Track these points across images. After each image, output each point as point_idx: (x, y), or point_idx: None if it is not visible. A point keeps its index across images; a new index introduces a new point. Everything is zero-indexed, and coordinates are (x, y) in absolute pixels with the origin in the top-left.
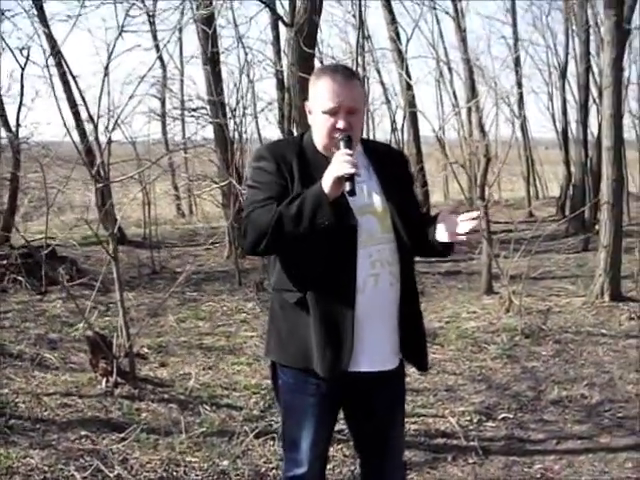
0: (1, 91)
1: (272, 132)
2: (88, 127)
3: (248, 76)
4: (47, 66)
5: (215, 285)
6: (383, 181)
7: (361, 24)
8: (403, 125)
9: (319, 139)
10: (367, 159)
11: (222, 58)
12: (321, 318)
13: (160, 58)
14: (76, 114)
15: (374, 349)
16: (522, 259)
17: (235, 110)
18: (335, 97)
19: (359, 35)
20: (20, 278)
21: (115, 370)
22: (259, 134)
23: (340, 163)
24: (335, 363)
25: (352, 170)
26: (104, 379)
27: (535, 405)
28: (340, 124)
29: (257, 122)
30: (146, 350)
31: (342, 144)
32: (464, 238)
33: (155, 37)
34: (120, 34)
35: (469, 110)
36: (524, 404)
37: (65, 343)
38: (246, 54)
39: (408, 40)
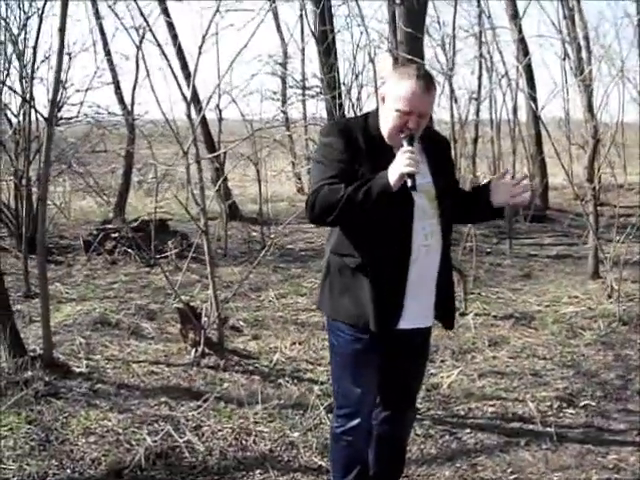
0: (117, 70)
1: None
2: (197, 106)
3: (369, 54)
4: (160, 46)
5: (321, 262)
6: (432, 164)
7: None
8: (515, 106)
9: (386, 129)
10: (420, 144)
11: (338, 37)
12: (378, 282)
13: (281, 37)
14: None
15: (417, 310)
16: (634, 244)
17: (350, 88)
18: (413, 103)
19: (480, 14)
20: (130, 250)
21: (203, 341)
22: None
23: (404, 160)
24: (387, 321)
25: (415, 169)
26: (193, 349)
27: (620, 394)
28: (411, 124)
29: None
30: (242, 323)
31: (405, 142)
32: (517, 200)
33: (276, 17)
34: (217, 12)
35: (586, 89)
36: (609, 392)
37: (164, 314)
38: (361, 33)
39: (520, 18)
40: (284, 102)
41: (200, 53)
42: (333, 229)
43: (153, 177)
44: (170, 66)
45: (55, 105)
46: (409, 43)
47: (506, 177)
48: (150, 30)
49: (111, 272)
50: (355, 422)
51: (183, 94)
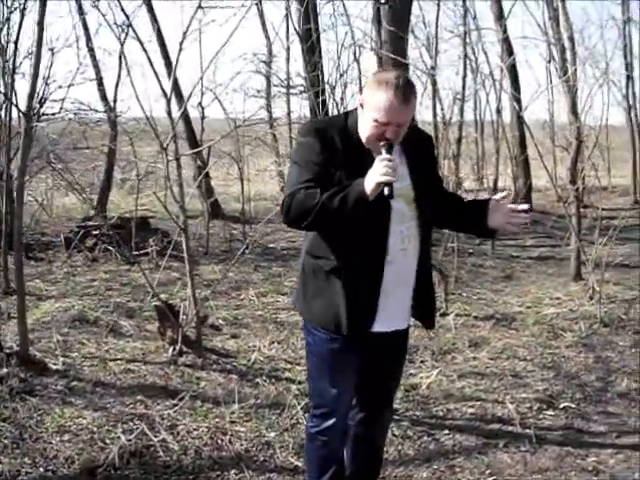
0: (100, 66)
1: None
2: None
3: (354, 54)
4: (141, 43)
5: None
6: (412, 165)
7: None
8: (498, 107)
9: (364, 136)
10: (400, 145)
11: (323, 36)
12: (351, 286)
13: (266, 36)
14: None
15: (392, 312)
16: (617, 247)
17: (334, 87)
18: (391, 114)
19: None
20: (110, 248)
21: (180, 339)
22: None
23: (381, 169)
24: (361, 324)
25: (392, 178)
26: (170, 347)
27: (601, 396)
28: (389, 134)
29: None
30: (221, 322)
31: (384, 150)
32: (514, 229)
33: (262, 15)
34: (198, 8)
35: (570, 90)
36: (589, 394)
37: (144, 312)
38: (346, 33)
39: (505, 19)
40: (268, 100)
41: (181, 49)
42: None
43: (136, 174)
44: (150, 62)
45: (33, 100)
46: (393, 42)
47: (505, 200)
48: (130, 26)
49: (91, 269)
50: (330, 422)
51: (163, 90)
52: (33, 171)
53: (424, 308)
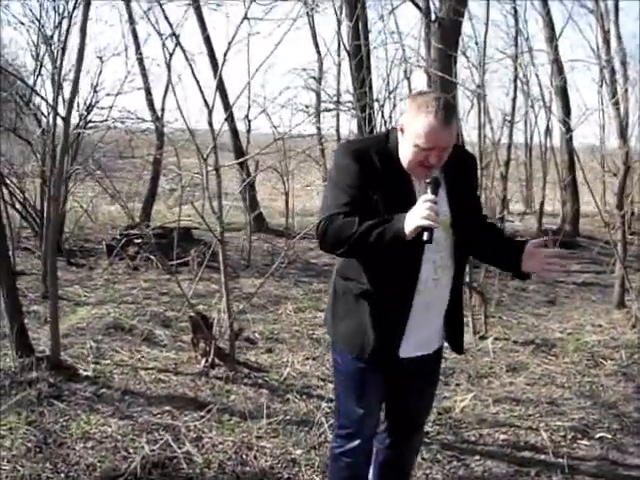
0: (148, 77)
1: None
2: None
3: (405, 72)
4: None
5: None
6: (451, 189)
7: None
8: (547, 130)
9: (406, 161)
10: (442, 172)
11: (373, 53)
12: (379, 311)
13: (318, 51)
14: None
15: (421, 339)
16: None
17: (383, 105)
18: (432, 139)
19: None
20: (152, 257)
21: (213, 351)
22: None
23: (424, 212)
24: (385, 350)
25: (434, 224)
26: (203, 359)
27: (638, 427)
28: (432, 160)
29: None
30: (257, 335)
31: (429, 189)
32: (549, 275)
33: (314, 31)
34: (244, 20)
35: (620, 114)
36: (626, 425)
37: (180, 322)
38: (396, 49)
39: (557, 39)
40: (318, 116)
41: (224, 60)
42: None
43: (180, 185)
44: (193, 72)
45: (72, 105)
46: (442, 61)
47: (542, 245)
48: (174, 35)
49: (132, 277)
50: (355, 443)
51: (205, 101)
52: (79, 178)
53: (454, 333)
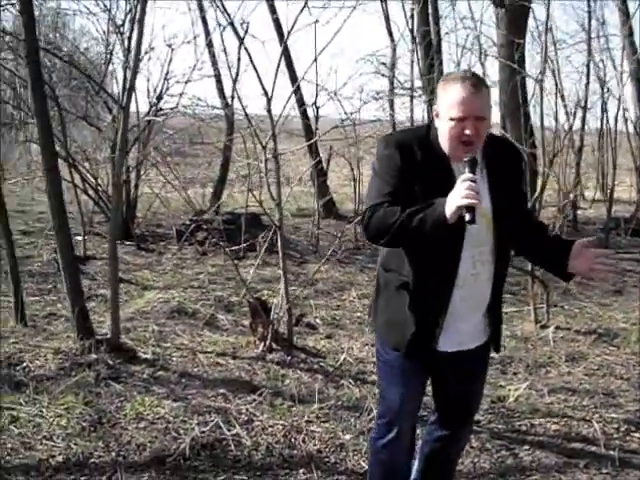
0: (218, 64)
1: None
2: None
3: (480, 57)
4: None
5: None
6: (493, 182)
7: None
8: (617, 117)
9: (445, 143)
10: (483, 159)
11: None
12: (419, 305)
13: (391, 36)
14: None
15: (462, 335)
16: None
17: None
18: (464, 106)
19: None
20: (220, 243)
21: (270, 335)
22: None
23: (463, 191)
24: (425, 344)
25: (474, 201)
26: (261, 343)
27: None
28: (468, 131)
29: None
30: (318, 321)
31: (467, 168)
32: (597, 275)
33: (387, 17)
34: (305, 6)
35: None
36: None
37: (243, 307)
38: (467, 35)
39: (631, 18)
40: (390, 102)
41: (285, 48)
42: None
43: (248, 171)
44: (252, 62)
45: (131, 95)
46: (509, 47)
47: (591, 245)
48: (232, 24)
49: (199, 263)
50: (393, 434)
51: (264, 88)
52: (150, 164)
53: (492, 331)
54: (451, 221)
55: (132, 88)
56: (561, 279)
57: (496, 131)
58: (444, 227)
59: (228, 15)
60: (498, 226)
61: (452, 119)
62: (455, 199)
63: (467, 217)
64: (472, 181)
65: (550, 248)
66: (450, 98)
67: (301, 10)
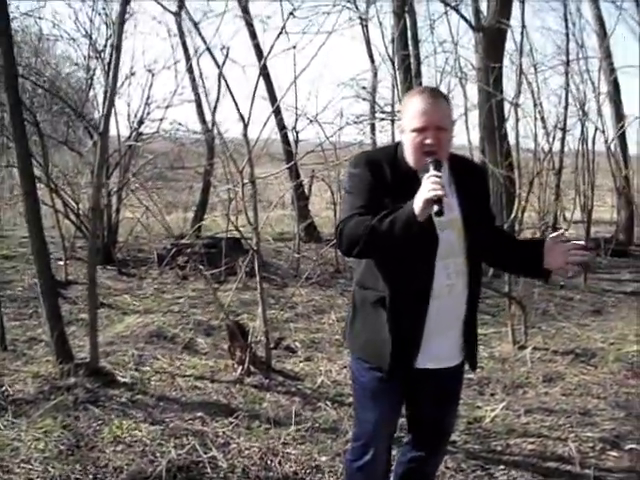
0: (199, 89)
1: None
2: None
3: (460, 80)
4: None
5: None
6: (461, 195)
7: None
8: (595, 138)
9: (410, 156)
10: (451, 176)
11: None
12: (395, 319)
13: (372, 60)
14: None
15: (440, 350)
16: None
17: None
18: (424, 116)
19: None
20: (201, 267)
21: (248, 359)
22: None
23: (429, 185)
24: (403, 359)
25: (440, 193)
26: (239, 367)
27: None
28: (429, 140)
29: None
30: (297, 344)
31: (431, 167)
32: (572, 268)
33: (368, 41)
34: (280, 33)
35: None
36: None
37: (222, 331)
38: (446, 59)
39: (608, 37)
40: (372, 126)
41: (260, 73)
42: (359, 261)
43: (228, 196)
44: (228, 87)
45: (108, 121)
46: (487, 70)
47: (562, 238)
48: (209, 50)
49: (180, 287)
50: (368, 456)
51: (240, 114)
52: (131, 189)
53: (468, 349)
54: (420, 218)
55: (109, 114)
56: (539, 278)
57: (476, 154)
58: (415, 226)
59: (204, 41)
60: (469, 236)
61: (413, 130)
62: (422, 194)
63: (435, 208)
64: (436, 177)
65: (522, 250)
66: (411, 110)
67: (277, 36)
